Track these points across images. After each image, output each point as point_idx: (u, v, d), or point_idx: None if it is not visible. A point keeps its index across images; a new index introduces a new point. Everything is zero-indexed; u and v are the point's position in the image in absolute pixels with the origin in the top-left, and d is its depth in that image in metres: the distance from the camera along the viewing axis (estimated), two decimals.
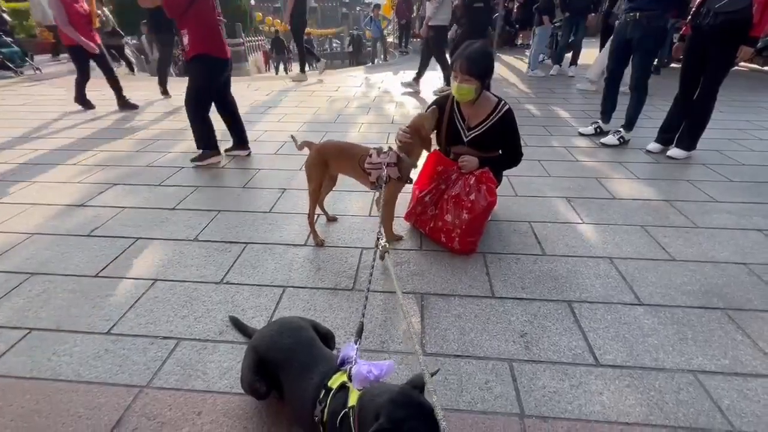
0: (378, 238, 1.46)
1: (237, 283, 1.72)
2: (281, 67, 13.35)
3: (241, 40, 11.74)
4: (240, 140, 3.23)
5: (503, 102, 1.95)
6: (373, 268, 1.38)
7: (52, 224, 2.19)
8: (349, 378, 0.91)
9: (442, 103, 2.05)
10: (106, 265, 1.83)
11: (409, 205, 2.12)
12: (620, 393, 1.22)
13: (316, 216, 2.03)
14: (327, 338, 1.21)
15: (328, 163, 1.86)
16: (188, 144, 3.48)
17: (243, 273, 1.78)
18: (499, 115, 1.92)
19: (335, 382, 0.92)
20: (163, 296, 1.64)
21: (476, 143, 1.99)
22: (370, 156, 1.77)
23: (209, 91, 2.88)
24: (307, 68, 6.88)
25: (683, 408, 1.17)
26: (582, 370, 1.30)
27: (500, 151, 2.04)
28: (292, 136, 1.97)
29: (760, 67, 6.69)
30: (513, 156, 2.03)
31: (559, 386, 1.25)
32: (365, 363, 0.92)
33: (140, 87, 5.87)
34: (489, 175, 1.89)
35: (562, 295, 1.64)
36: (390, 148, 1.80)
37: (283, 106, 4.90)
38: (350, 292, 1.67)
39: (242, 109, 4.68)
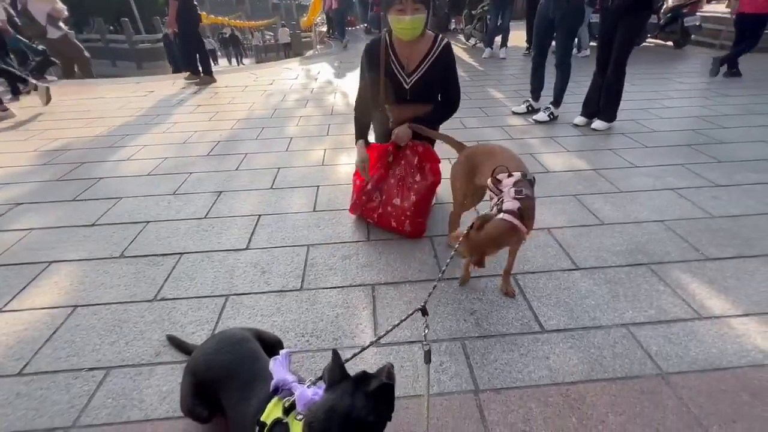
0: (426, 326, 1.02)
1: (173, 298, 1.58)
2: (234, 61, 12.61)
3: (159, 36, 10.77)
4: None
5: (441, 35, 1.85)
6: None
7: None
8: (286, 411, 0.80)
9: (375, 52, 1.85)
10: (12, 298, 1.60)
11: (352, 198, 2.07)
12: (564, 355, 1.29)
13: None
14: (274, 346, 1.14)
15: (476, 171, 1.47)
16: (110, 150, 3.15)
17: (179, 286, 1.64)
18: (440, 48, 1.82)
19: (269, 416, 0.81)
20: (86, 323, 1.47)
21: (419, 92, 1.87)
22: (511, 175, 1.36)
23: None
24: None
25: (619, 360, 1.27)
26: (529, 338, 1.36)
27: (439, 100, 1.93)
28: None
29: (663, 42, 7.39)
30: (451, 101, 1.93)
31: (510, 357, 1.29)
32: (310, 387, 0.82)
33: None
34: (432, 153, 1.93)
35: None
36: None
37: (213, 104, 4.59)
38: (299, 292, 1.60)
39: (169, 108, 4.36)
